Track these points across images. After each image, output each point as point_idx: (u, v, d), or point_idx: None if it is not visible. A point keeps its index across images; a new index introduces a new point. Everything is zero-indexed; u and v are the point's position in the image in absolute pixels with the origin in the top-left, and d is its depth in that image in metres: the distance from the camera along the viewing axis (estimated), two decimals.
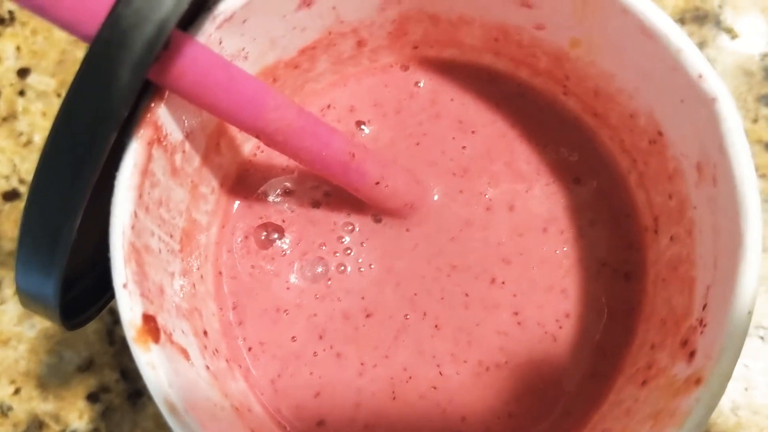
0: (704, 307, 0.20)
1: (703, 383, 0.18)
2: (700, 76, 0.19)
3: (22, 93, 0.34)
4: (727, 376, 0.18)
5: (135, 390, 0.30)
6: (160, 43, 0.16)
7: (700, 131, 0.20)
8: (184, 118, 0.20)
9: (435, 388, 0.24)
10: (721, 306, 0.18)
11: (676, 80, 0.20)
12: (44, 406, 0.30)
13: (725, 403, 0.29)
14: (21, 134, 0.33)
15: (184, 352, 0.20)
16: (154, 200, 0.20)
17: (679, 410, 0.18)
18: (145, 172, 0.19)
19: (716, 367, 0.18)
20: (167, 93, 0.19)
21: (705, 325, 0.19)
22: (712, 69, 0.19)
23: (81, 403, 0.30)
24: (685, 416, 0.18)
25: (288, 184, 0.26)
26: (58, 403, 0.30)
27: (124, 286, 0.18)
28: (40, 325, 0.31)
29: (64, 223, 0.16)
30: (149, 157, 0.19)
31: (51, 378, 0.30)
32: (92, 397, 0.30)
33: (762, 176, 0.32)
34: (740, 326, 0.18)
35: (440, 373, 0.24)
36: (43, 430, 0.30)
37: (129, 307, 0.18)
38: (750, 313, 0.18)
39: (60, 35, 0.34)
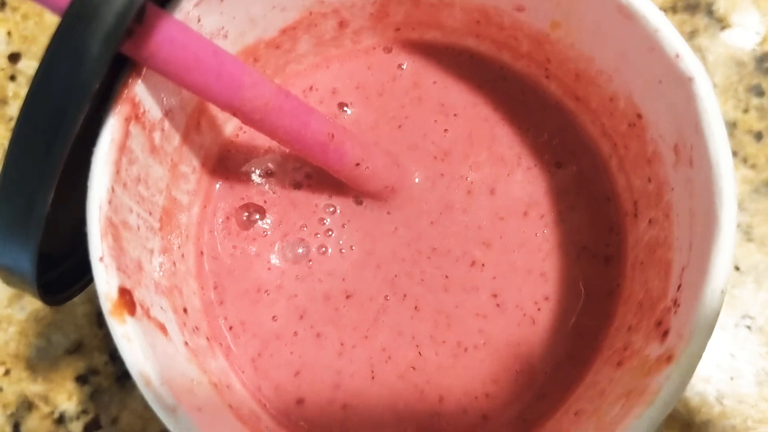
0: (679, 287, 0.20)
1: (674, 361, 0.18)
2: (677, 56, 0.19)
3: (12, 78, 0.34)
4: (698, 355, 0.18)
5: (123, 372, 0.30)
6: (130, 16, 0.16)
7: (677, 112, 0.20)
8: (162, 95, 0.21)
9: (414, 368, 0.24)
10: (694, 286, 0.18)
11: (653, 61, 0.20)
12: (34, 388, 0.30)
13: (710, 392, 0.29)
14: (11, 119, 0.33)
15: (162, 328, 0.20)
16: (132, 177, 0.20)
17: (650, 388, 0.18)
18: (123, 148, 0.19)
19: (688, 345, 0.18)
20: (144, 70, 0.19)
21: (678, 306, 0.19)
22: (689, 49, 0.19)
23: (70, 385, 0.30)
24: (655, 394, 0.18)
25: (270, 165, 0.26)
26: (47, 385, 0.30)
27: (101, 259, 0.18)
28: (30, 307, 0.31)
29: (37, 197, 0.16)
30: (127, 134, 0.19)
31: (40, 360, 0.30)
32: (81, 379, 0.30)
33: (752, 166, 0.32)
34: (712, 306, 0.18)
35: (419, 353, 0.24)
36: (33, 411, 0.30)
37: (105, 280, 0.18)
38: (723, 292, 0.18)
39: (51, 20, 0.35)
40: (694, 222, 0.20)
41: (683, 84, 0.19)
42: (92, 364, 0.30)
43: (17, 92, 0.34)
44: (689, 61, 0.19)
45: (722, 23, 0.33)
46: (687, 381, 0.18)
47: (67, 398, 0.30)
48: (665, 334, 0.19)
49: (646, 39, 0.20)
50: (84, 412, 0.30)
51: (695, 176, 0.20)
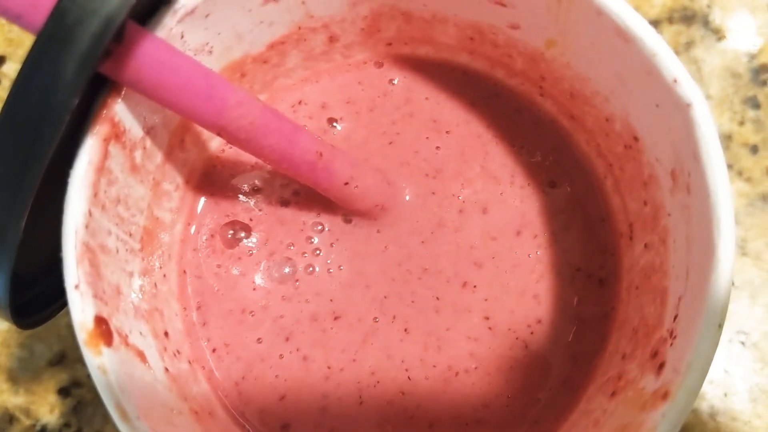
0: (675, 318, 0.19)
1: (670, 398, 0.17)
2: (675, 81, 0.19)
3: None
4: (695, 392, 0.17)
5: None
6: (107, 38, 0.15)
7: (674, 137, 0.19)
8: (144, 113, 0.20)
9: (403, 393, 0.23)
10: (691, 319, 0.18)
11: (651, 84, 0.19)
12: (15, 400, 0.29)
13: (704, 408, 0.28)
14: None
15: (141, 355, 0.20)
16: (111, 198, 0.19)
17: (646, 425, 0.18)
18: (101, 169, 0.19)
19: (683, 382, 0.17)
20: (124, 89, 0.19)
21: (675, 338, 0.19)
22: (687, 74, 0.19)
23: (52, 398, 0.29)
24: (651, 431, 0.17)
25: (257, 182, 0.25)
26: (29, 397, 0.29)
27: (76, 287, 0.18)
28: None
29: (9, 223, 0.16)
30: (105, 154, 0.19)
31: (22, 371, 0.30)
32: (63, 392, 0.29)
33: (747, 180, 0.32)
34: (709, 341, 0.17)
35: (408, 378, 0.23)
36: (14, 424, 0.29)
37: (80, 309, 0.18)
38: (720, 326, 0.18)
39: None
40: (691, 250, 0.19)
41: (681, 110, 0.19)
42: (75, 376, 0.29)
43: (2, 96, 0.33)
44: (687, 87, 0.18)
45: (718, 34, 0.33)
46: (683, 418, 0.17)
47: (49, 411, 0.29)
48: (661, 367, 0.19)
49: (643, 62, 0.19)
50: (66, 425, 0.29)
51: (692, 204, 0.19)
